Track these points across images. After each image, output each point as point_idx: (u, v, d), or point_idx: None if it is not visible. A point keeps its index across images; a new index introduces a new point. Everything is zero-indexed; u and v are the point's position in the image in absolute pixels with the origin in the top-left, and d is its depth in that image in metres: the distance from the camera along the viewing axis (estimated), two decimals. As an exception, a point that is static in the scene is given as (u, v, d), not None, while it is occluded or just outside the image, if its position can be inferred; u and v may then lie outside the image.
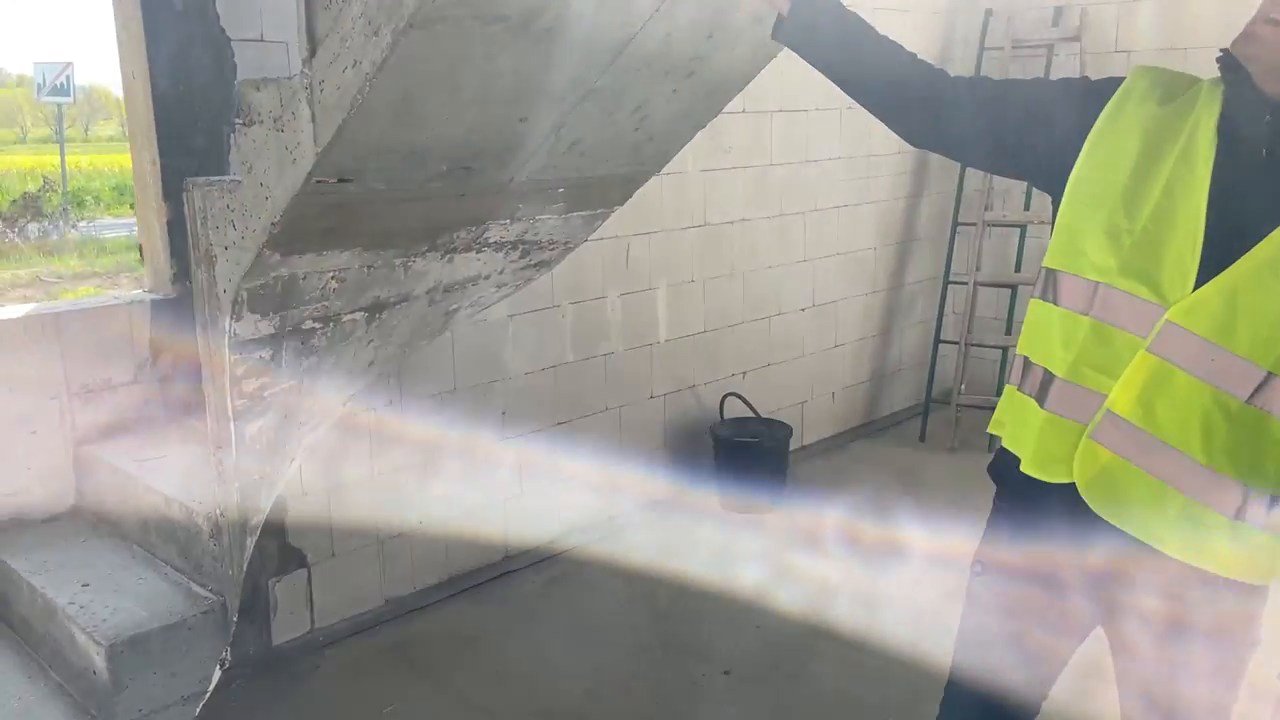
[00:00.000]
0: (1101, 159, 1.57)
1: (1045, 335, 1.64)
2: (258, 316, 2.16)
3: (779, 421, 4.70)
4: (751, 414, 4.64)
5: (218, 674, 2.38)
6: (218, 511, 2.32)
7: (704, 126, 2.35)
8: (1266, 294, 1.42)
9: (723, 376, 4.80)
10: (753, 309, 4.90)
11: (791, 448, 5.18)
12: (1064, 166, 1.62)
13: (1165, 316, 1.48)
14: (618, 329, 4.31)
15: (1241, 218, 1.44)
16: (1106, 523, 1.58)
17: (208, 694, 2.36)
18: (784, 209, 4.96)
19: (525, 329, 3.96)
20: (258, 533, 2.38)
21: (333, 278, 2.23)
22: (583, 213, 2.53)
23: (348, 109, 1.70)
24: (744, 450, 4.46)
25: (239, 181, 2.01)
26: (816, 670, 3.29)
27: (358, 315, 2.36)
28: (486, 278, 2.60)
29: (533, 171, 2.19)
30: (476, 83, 1.78)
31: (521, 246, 2.55)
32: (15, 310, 2.84)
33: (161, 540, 2.60)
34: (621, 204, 2.60)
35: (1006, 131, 1.70)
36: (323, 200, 1.92)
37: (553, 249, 2.66)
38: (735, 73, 2.20)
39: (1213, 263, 1.45)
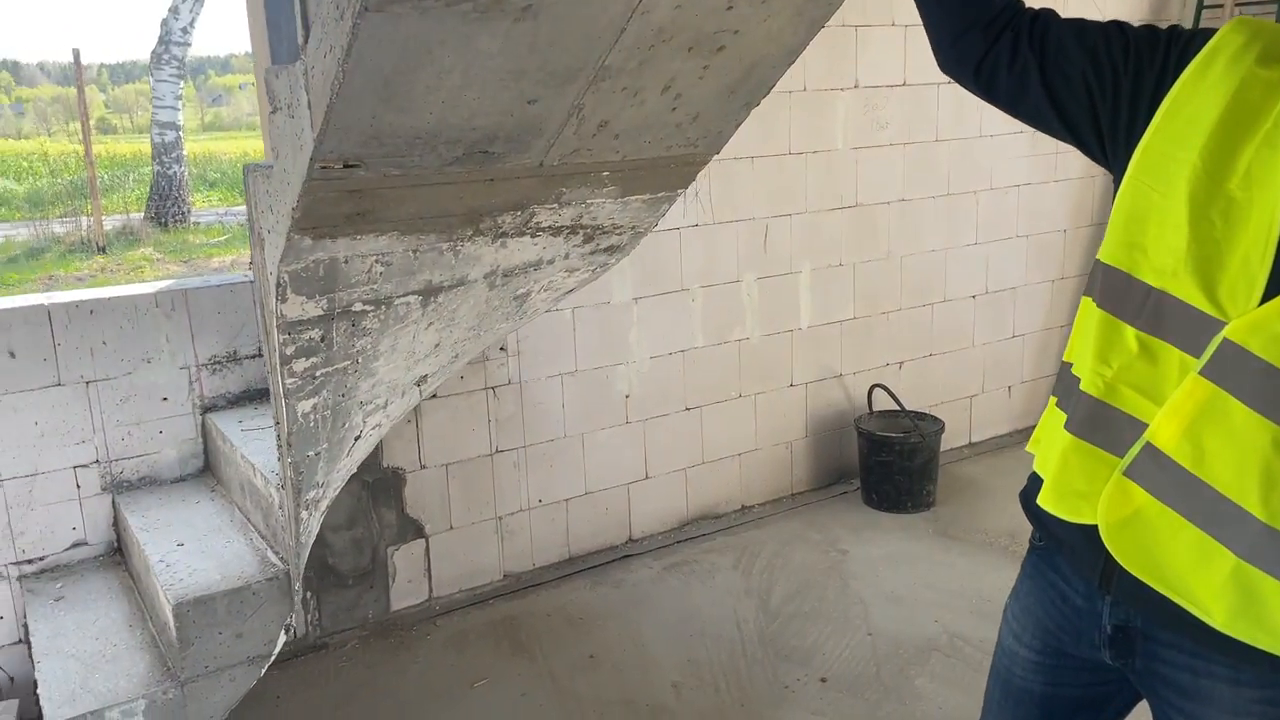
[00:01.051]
0: (1174, 131, 1.27)
1: (1084, 343, 1.38)
2: (303, 299, 2.22)
3: (930, 416, 4.40)
4: (898, 407, 4.37)
5: (283, 638, 2.50)
6: (279, 483, 2.42)
7: (757, 104, 2.19)
8: None
9: (874, 366, 4.55)
10: (911, 295, 4.61)
11: (957, 444, 4.87)
12: (1128, 136, 1.32)
13: (1223, 333, 1.20)
14: (754, 314, 4.17)
15: None
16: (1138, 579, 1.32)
17: (273, 656, 2.49)
18: (951, 188, 4.62)
19: (651, 312, 3.90)
20: (316, 508, 2.47)
21: (376, 261, 2.26)
22: (641, 196, 2.44)
23: (330, 94, 1.70)
24: (889, 446, 4.21)
25: (271, 167, 2.08)
26: (922, 687, 3.06)
27: (410, 299, 2.38)
28: (551, 262, 2.56)
29: (564, 155, 2.12)
30: (462, 66, 1.74)
31: (582, 231, 2.49)
32: (150, 286, 3.09)
33: (253, 507, 2.76)
34: (684, 186, 2.48)
35: (1058, 77, 1.39)
36: (336, 185, 1.94)
37: (619, 234, 2.58)
38: (775, 46, 2.03)
39: None
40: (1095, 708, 1.53)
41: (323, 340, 2.29)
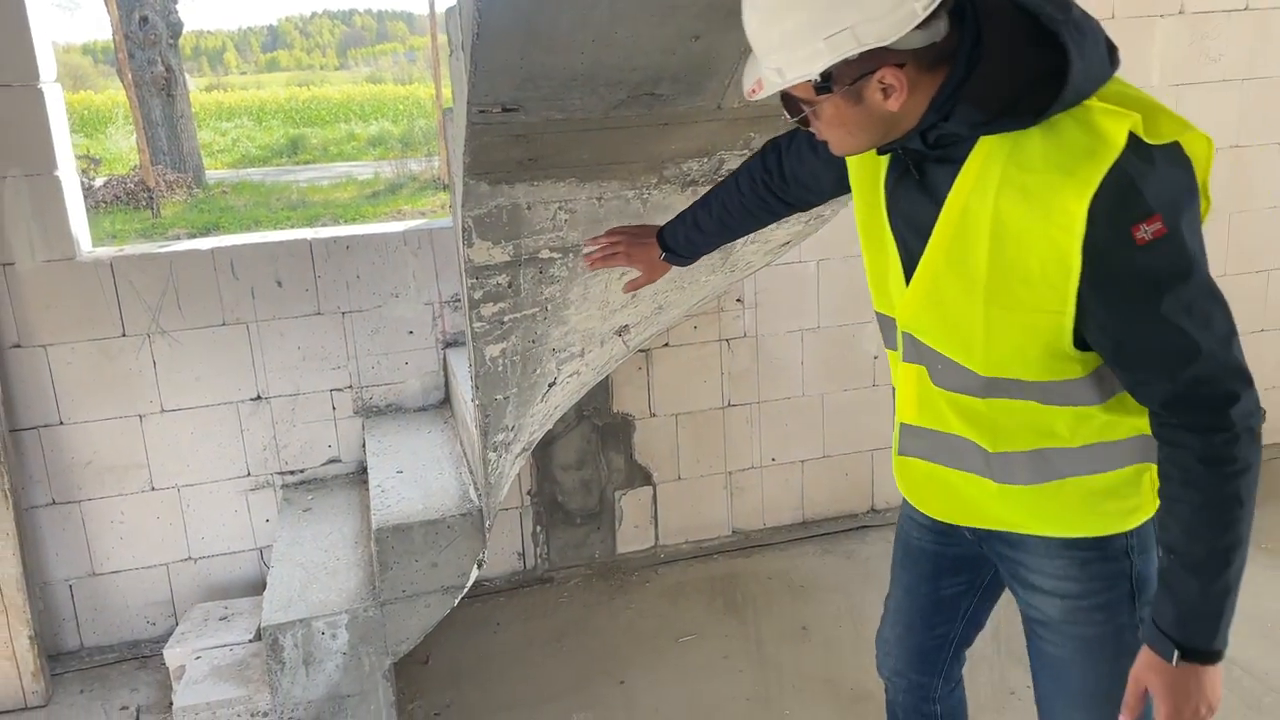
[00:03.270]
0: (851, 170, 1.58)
1: None
2: (489, 244, 2.23)
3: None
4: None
5: (475, 572, 2.58)
6: (474, 424, 2.48)
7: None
8: (946, 299, 1.38)
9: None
10: (1240, 259, 3.92)
11: (1288, 437, 4.13)
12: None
13: (898, 327, 1.49)
14: (1032, 274, 3.73)
15: (914, 228, 1.41)
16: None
17: (465, 589, 2.57)
18: (1303, 133, 3.86)
19: (908, 268, 3.59)
20: (507, 451, 2.50)
21: (560, 208, 2.22)
22: (847, 142, 2.20)
23: (473, 33, 1.66)
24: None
25: (452, 110, 2.08)
26: None
27: (600, 247, 2.32)
28: (752, 213, 2.39)
29: (745, 97, 1.95)
30: (604, 2, 1.62)
31: (783, 179, 2.30)
32: (399, 225, 3.26)
33: (467, 442, 2.86)
34: (899, 131, 2.21)
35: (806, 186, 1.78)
36: (500, 130, 1.91)
37: (828, 183, 2.36)
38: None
39: (910, 271, 1.43)
40: (974, 568, 1.72)
41: (510, 286, 2.29)
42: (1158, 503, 1.34)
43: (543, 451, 3.45)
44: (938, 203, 1.35)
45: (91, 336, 3.02)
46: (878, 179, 1.46)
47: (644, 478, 3.58)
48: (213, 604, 3.07)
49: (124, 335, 3.05)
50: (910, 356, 1.48)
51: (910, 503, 1.67)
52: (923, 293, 1.40)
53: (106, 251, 3.04)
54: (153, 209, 11.69)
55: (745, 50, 1.81)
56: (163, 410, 3.12)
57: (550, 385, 2.54)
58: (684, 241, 1.91)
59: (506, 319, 2.34)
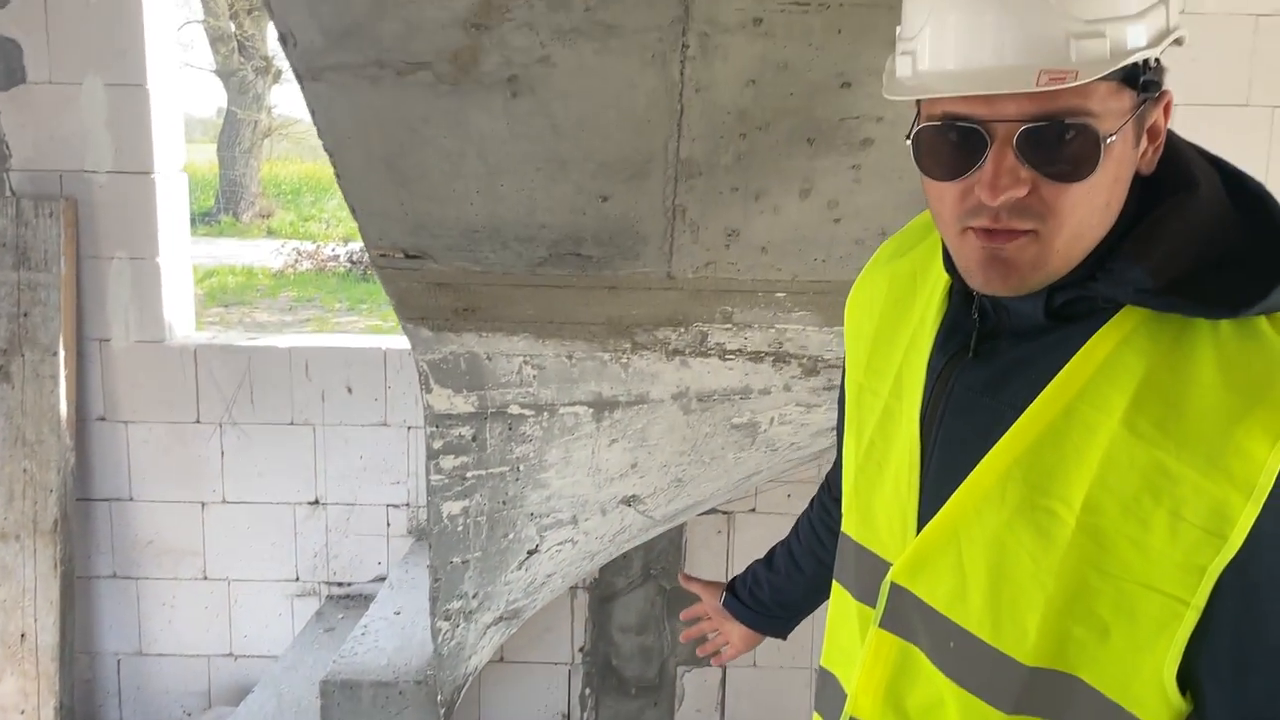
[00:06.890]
0: (850, 357, 1.10)
1: None
2: (450, 391, 2.01)
3: None
4: None
5: (428, 749, 2.30)
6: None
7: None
8: (997, 543, 0.87)
9: None
10: None
11: None
12: None
13: (889, 576, 0.96)
14: None
15: (956, 432, 0.92)
16: None
17: (416, 764, 2.30)
18: None
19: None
20: (469, 621, 2.22)
21: (525, 362, 1.96)
22: (860, 328, 1.78)
23: (336, 171, 1.46)
24: None
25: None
26: None
27: (578, 410, 2.03)
28: (765, 392, 1.99)
29: (697, 267, 1.60)
30: (474, 149, 1.36)
31: (794, 360, 1.88)
32: (476, 345, 3.12)
33: (474, 593, 2.61)
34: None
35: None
36: (413, 276, 1.69)
37: (854, 371, 1.93)
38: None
39: (935, 496, 0.92)
40: None
41: (474, 440, 2.05)
42: None
43: (601, 607, 3.13)
44: (1014, 400, 0.89)
45: (169, 419, 3.07)
46: (916, 348, 0.98)
47: (711, 656, 3.15)
48: (226, 708, 2.99)
49: (198, 422, 3.08)
50: (893, 624, 0.96)
51: None
52: (959, 525, 0.91)
53: (194, 338, 3.11)
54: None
55: (673, 214, 1.50)
56: (224, 501, 3.12)
57: (530, 553, 2.24)
58: (749, 592, 1.48)
59: (469, 475, 2.09)
